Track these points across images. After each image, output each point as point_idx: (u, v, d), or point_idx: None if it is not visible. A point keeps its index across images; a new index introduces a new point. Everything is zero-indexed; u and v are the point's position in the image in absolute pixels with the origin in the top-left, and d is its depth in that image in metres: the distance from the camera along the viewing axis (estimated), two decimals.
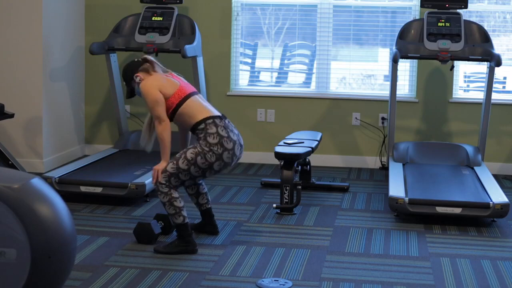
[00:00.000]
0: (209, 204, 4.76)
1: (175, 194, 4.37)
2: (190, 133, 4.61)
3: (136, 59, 4.56)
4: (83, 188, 5.45)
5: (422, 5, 6.40)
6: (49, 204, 3.17)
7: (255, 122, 7.14)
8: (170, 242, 4.45)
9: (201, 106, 4.45)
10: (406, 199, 5.09)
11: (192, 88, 4.54)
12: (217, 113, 4.46)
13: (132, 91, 4.55)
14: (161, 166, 4.37)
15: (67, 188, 5.48)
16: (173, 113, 4.42)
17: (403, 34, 6.40)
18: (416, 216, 5.19)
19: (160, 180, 4.34)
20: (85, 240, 4.57)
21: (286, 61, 7.40)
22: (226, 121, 4.45)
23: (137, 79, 4.47)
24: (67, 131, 7.01)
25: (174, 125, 4.56)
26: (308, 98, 7.13)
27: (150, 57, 4.55)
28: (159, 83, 4.41)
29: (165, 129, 4.36)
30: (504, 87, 7.15)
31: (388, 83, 6.69)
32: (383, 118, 6.99)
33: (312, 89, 7.22)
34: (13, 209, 3.09)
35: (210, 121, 4.37)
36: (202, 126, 4.36)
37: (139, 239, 4.55)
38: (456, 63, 6.61)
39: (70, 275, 3.66)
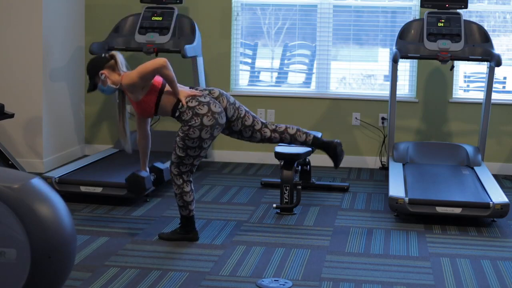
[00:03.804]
0: (310, 135, 4.74)
1: (187, 189, 4.51)
2: (149, 143, 4.70)
3: (103, 55, 4.56)
4: (83, 188, 5.45)
5: (422, 5, 6.40)
6: (49, 204, 3.17)
7: None
8: (173, 230, 4.65)
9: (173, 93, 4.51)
10: (406, 199, 5.09)
11: (160, 79, 4.54)
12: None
13: (94, 86, 4.55)
14: (181, 96, 4.43)
15: (67, 188, 5.48)
16: (156, 106, 4.47)
17: (403, 34, 6.40)
18: (416, 216, 5.19)
19: (173, 171, 4.49)
20: (85, 240, 4.57)
21: (286, 61, 7.40)
22: (198, 89, 4.56)
23: (102, 77, 4.49)
24: (67, 131, 7.01)
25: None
26: (308, 98, 7.13)
27: (116, 55, 4.54)
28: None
29: (164, 66, 4.36)
30: (504, 87, 7.15)
31: (388, 83, 6.69)
32: (383, 118, 7.00)
33: (312, 89, 7.22)
34: (13, 209, 3.09)
35: (180, 105, 4.44)
36: (177, 113, 4.45)
37: (130, 189, 4.65)
38: (456, 63, 6.61)
39: (70, 275, 3.66)
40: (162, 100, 4.45)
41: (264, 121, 4.72)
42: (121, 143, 4.67)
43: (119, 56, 4.54)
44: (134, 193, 4.67)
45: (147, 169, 4.77)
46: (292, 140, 4.73)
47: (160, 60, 4.37)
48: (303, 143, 4.75)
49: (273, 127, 4.71)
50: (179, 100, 4.45)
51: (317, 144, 4.77)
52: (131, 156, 6.37)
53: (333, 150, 4.76)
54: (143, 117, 4.60)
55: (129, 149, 4.68)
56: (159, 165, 4.86)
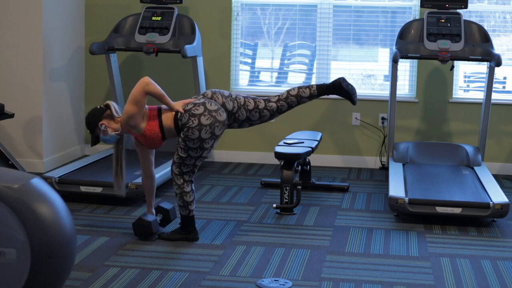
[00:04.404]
0: (313, 86, 4.65)
1: (187, 189, 4.52)
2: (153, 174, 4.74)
3: (98, 106, 4.56)
4: (83, 188, 5.45)
5: (422, 5, 6.40)
6: (49, 204, 3.17)
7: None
8: (173, 230, 4.65)
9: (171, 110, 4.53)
10: (406, 199, 5.09)
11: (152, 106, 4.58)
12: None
13: (97, 139, 4.55)
14: (177, 107, 4.45)
15: (67, 188, 5.48)
16: (161, 130, 4.47)
17: (403, 34, 6.40)
18: (416, 216, 5.19)
19: (174, 170, 4.50)
20: (85, 240, 4.58)
21: (286, 61, 7.40)
22: (192, 97, 4.61)
23: (102, 127, 4.49)
24: (67, 131, 7.01)
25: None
26: None
27: (111, 104, 4.55)
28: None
29: (147, 83, 4.37)
30: (504, 87, 7.15)
31: (388, 83, 6.69)
32: (383, 118, 7.00)
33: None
34: (13, 209, 3.09)
35: (179, 115, 4.46)
36: (180, 125, 4.47)
37: (137, 234, 4.62)
38: (456, 63, 6.61)
39: (70, 275, 3.66)
40: (163, 120, 4.46)
41: (265, 97, 4.69)
42: (114, 188, 4.67)
43: (113, 104, 4.56)
44: (141, 238, 4.64)
45: (153, 211, 4.77)
46: (299, 99, 4.65)
47: (144, 80, 4.39)
48: (310, 97, 4.65)
49: (276, 97, 4.66)
50: (177, 112, 4.45)
51: (323, 91, 4.64)
52: (131, 156, 6.37)
53: (340, 88, 4.62)
54: (154, 148, 4.59)
55: (123, 193, 4.69)
56: (165, 205, 4.84)
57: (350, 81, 7.17)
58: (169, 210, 4.80)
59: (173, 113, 4.47)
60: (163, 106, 4.51)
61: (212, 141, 4.46)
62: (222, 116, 4.48)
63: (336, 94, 4.65)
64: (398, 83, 6.48)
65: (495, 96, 6.60)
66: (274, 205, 5.33)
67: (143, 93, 4.37)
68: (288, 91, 4.66)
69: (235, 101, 4.60)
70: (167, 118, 4.47)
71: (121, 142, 4.61)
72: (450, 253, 4.51)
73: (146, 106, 4.49)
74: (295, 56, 7.35)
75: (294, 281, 3.96)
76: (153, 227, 4.58)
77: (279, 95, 4.67)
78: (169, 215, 4.81)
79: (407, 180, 5.68)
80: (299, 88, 4.67)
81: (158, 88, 4.41)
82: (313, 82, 7.20)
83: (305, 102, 4.72)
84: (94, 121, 4.51)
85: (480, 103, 6.69)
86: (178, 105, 4.48)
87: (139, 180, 5.42)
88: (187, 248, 4.49)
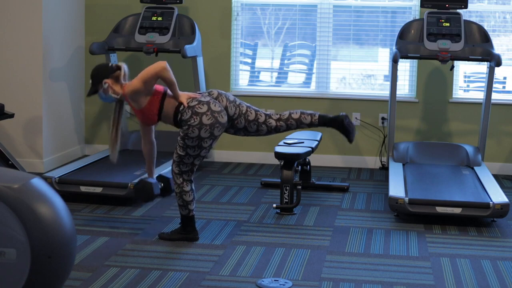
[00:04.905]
0: (316, 115, 4.67)
1: (186, 188, 4.52)
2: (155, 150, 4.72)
3: (110, 64, 4.57)
4: (83, 188, 5.45)
5: (422, 5, 6.40)
6: (49, 204, 3.17)
7: None
8: (173, 230, 4.65)
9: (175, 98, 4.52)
10: (406, 199, 5.09)
11: (161, 86, 4.56)
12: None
13: (95, 92, 4.55)
14: (182, 98, 4.45)
15: (67, 188, 5.48)
16: (159, 112, 4.48)
17: (403, 34, 6.40)
18: (416, 216, 5.19)
19: (174, 169, 4.50)
20: (85, 240, 4.58)
21: (286, 61, 7.40)
22: (197, 93, 4.60)
23: (105, 85, 4.50)
24: (67, 131, 7.01)
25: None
26: (308, 98, 7.13)
27: (123, 66, 4.55)
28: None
29: (164, 68, 4.39)
30: (504, 87, 7.15)
31: (388, 83, 6.69)
32: (383, 118, 7.00)
33: (312, 89, 7.22)
34: (13, 209, 3.09)
35: (181, 107, 4.46)
36: (179, 116, 4.47)
37: (138, 195, 4.66)
38: (456, 63, 6.61)
39: (70, 275, 3.66)
40: (164, 106, 4.46)
41: (267, 112, 4.70)
42: (109, 151, 4.66)
43: (125, 68, 4.56)
44: (142, 199, 4.68)
45: (154, 176, 4.78)
46: (299, 124, 4.67)
47: (161, 64, 4.38)
48: (310, 125, 4.68)
49: (277, 116, 4.68)
50: (180, 103, 4.45)
51: (323, 122, 4.67)
52: (131, 156, 6.39)
53: (341, 124, 4.64)
54: (146, 126, 4.60)
55: (114, 159, 4.66)
56: (166, 174, 4.86)
57: (350, 81, 7.20)
58: (170, 179, 4.77)
59: (176, 103, 4.47)
60: (169, 92, 4.51)
61: (211, 141, 4.46)
62: (224, 119, 4.48)
63: (336, 129, 4.69)
64: (398, 83, 6.48)
65: (495, 96, 6.60)
66: (274, 205, 5.33)
67: (155, 76, 4.38)
68: (290, 113, 4.68)
69: (238, 108, 4.60)
70: (169, 105, 4.47)
71: (121, 106, 4.61)
72: (450, 253, 4.51)
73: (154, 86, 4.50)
74: (295, 56, 7.35)
75: (294, 281, 3.96)
76: (154, 188, 4.61)
77: (280, 114, 4.69)
78: (169, 185, 4.78)
79: (407, 180, 5.67)
80: (302, 113, 4.67)
81: (172, 76, 4.41)
82: (313, 82, 7.21)
83: (304, 128, 4.75)
84: (100, 75, 4.51)
85: (480, 103, 6.69)
86: (183, 97, 4.47)
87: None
88: (187, 248, 4.49)
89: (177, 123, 4.50)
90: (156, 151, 4.76)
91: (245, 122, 4.62)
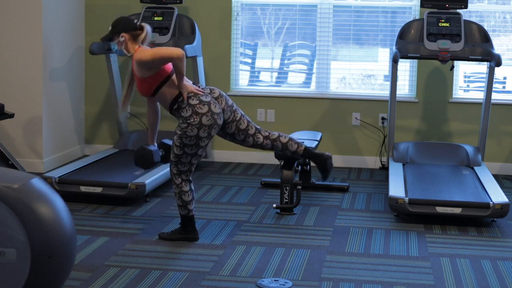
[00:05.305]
0: (302, 145, 4.78)
1: (185, 188, 4.53)
2: (158, 105, 4.69)
3: (135, 21, 4.55)
4: (83, 188, 5.45)
5: (422, 5, 6.40)
6: (49, 204, 3.17)
7: (255, 122, 7.13)
8: (173, 230, 4.66)
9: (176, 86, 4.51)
10: (406, 199, 5.09)
11: (171, 66, 4.54)
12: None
13: (110, 40, 4.54)
14: (183, 90, 4.43)
15: (67, 188, 5.48)
16: (156, 90, 4.47)
17: (403, 34, 6.40)
18: (416, 216, 5.19)
19: (172, 170, 4.51)
20: (85, 240, 4.57)
21: (286, 61, 7.40)
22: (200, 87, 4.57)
23: (121, 39, 4.49)
24: (67, 131, 7.01)
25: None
26: (308, 98, 7.13)
27: (146, 28, 4.53)
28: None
29: (180, 57, 4.36)
30: (504, 87, 7.15)
31: (388, 83, 6.69)
32: (383, 118, 7.00)
33: (312, 89, 7.22)
34: (13, 209, 3.09)
35: (180, 98, 4.45)
36: (176, 106, 4.46)
37: (137, 162, 4.63)
38: (456, 63, 6.61)
39: (70, 275, 3.66)
40: (164, 87, 4.45)
41: (258, 127, 4.75)
42: (119, 108, 4.64)
43: (148, 31, 4.53)
44: (142, 166, 4.62)
45: (155, 144, 4.75)
46: (284, 148, 4.78)
47: (179, 51, 4.37)
48: (294, 153, 4.81)
49: (266, 134, 4.75)
50: (180, 93, 4.45)
51: (307, 155, 4.82)
52: (131, 156, 6.37)
53: (323, 163, 4.82)
54: (140, 94, 4.60)
55: (121, 115, 4.62)
56: (167, 141, 4.78)
57: (350, 81, 7.20)
58: (171, 146, 4.70)
59: (177, 91, 4.46)
60: (174, 77, 4.48)
61: (208, 140, 4.48)
62: (221, 121, 4.52)
63: (317, 165, 4.83)
64: (398, 83, 6.48)
65: (495, 96, 6.60)
66: (274, 205, 5.33)
67: (168, 59, 4.37)
68: (279, 135, 4.76)
69: (233, 114, 4.64)
70: (169, 91, 4.46)
71: None
72: (450, 253, 4.51)
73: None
74: (295, 56, 7.35)
75: (294, 281, 3.96)
76: (154, 155, 4.57)
77: (270, 133, 4.76)
78: (170, 151, 4.74)
79: (407, 180, 5.67)
80: (290, 139, 4.77)
81: (183, 67, 4.38)
82: (313, 82, 7.21)
83: (287, 154, 4.86)
84: (121, 27, 4.49)
85: (480, 103, 6.69)
86: (186, 88, 4.45)
87: (139, 180, 5.43)
88: (187, 248, 4.49)
89: (171, 111, 4.50)
90: (159, 124, 4.76)
91: (235, 129, 4.66)
